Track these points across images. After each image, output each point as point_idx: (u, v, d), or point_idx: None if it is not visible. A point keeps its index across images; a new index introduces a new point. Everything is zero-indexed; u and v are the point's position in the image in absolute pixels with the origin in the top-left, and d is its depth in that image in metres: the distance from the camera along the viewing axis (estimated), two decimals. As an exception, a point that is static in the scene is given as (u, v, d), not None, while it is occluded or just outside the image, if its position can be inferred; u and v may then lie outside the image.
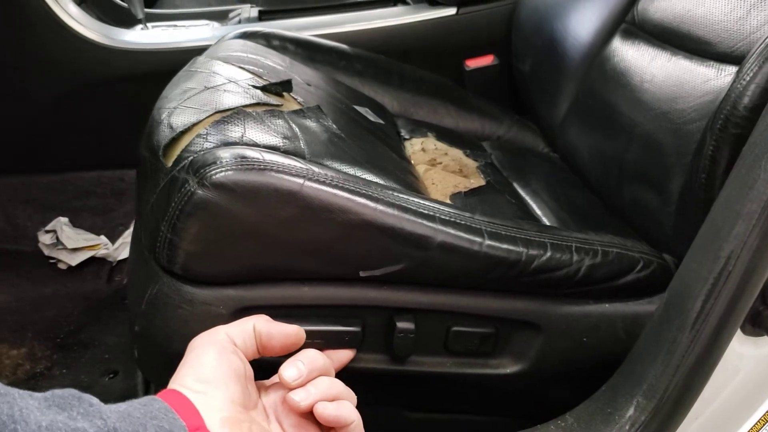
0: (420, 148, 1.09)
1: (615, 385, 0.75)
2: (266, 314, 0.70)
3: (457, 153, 1.10)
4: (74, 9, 1.48)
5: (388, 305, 0.76)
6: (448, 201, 0.95)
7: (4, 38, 1.43)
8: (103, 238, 1.52)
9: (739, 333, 0.68)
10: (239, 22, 1.63)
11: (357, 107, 1.05)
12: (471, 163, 1.08)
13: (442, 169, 1.02)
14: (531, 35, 1.31)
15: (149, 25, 1.63)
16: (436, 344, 0.79)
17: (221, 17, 1.72)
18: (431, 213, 0.74)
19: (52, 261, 1.49)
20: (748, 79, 0.74)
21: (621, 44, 1.05)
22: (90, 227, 1.55)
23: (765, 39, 0.74)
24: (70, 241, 1.48)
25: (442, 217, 0.75)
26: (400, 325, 0.76)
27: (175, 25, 1.67)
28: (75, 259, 1.47)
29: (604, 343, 0.80)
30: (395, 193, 0.75)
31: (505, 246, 0.75)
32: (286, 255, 0.72)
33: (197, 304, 0.72)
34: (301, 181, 0.69)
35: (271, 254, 0.71)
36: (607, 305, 0.80)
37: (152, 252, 0.72)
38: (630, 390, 0.71)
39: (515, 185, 1.09)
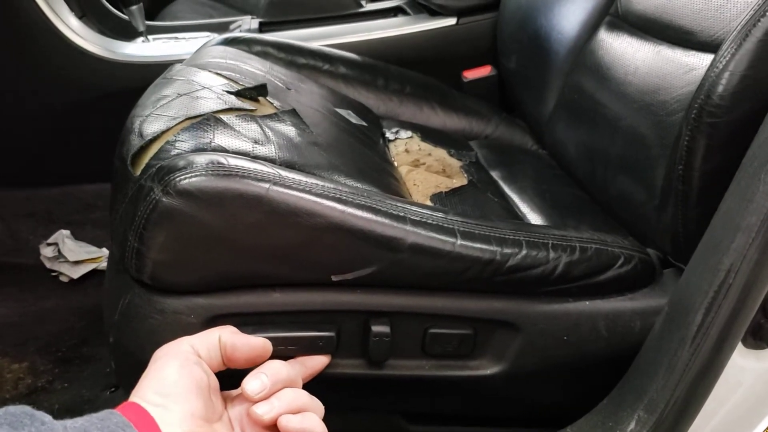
0: (404, 150, 1.08)
1: (616, 399, 0.74)
2: (238, 322, 0.70)
3: (441, 153, 1.09)
4: (75, 22, 1.49)
5: (362, 309, 0.75)
6: (429, 202, 0.94)
7: (5, 52, 1.44)
8: (104, 251, 1.53)
9: (740, 346, 0.67)
10: (240, 34, 1.63)
11: (339, 110, 1.04)
12: (455, 163, 1.07)
13: (425, 169, 1.01)
14: (516, 31, 1.30)
15: (150, 37, 1.64)
16: (414, 347, 0.78)
17: (222, 29, 1.72)
18: (402, 214, 0.73)
19: (53, 274, 1.50)
20: (720, 66, 0.72)
21: (605, 37, 1.03)
22: (92, 240, 1.56)
23: (737, 25, 0.72)
24: (71, 254, 1.49)
25: (413, 218, 0.73)
26: (375, 328, 0.75)
27: (176, 38, 1.68)
28: (77, 272, 1.48)
29: (585, 340, 0.78)
30: (365, 195, 0.74)
31: (478, 245, 0.74)
32: (256, 261, 0.71)
33: (168, 314, 0.71)
34: (266, 185, 0.69)
35: (240, 261, 0.71)
36: (587, 302, 0.78)
37: (122, 262, 0.72)
38: (631, 404, 0.71)
39: (501, 183, 1.08)
